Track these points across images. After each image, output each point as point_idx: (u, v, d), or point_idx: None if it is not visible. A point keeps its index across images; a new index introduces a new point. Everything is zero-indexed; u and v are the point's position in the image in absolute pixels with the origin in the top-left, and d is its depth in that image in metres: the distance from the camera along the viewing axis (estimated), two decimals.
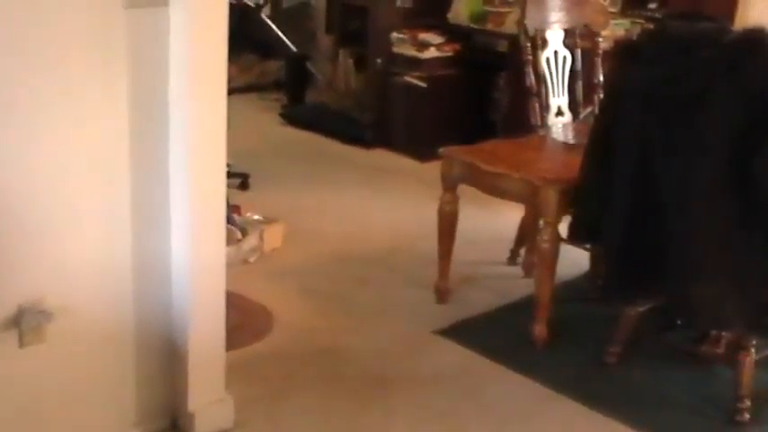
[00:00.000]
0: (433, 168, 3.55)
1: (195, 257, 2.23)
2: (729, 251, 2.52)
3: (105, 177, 2.09)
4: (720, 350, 2.85)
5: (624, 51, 2.88)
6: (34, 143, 1.96)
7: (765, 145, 2.39)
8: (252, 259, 3.65)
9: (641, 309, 2.92)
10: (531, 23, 3.42)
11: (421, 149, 4.95)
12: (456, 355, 3.05)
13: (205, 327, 2.30)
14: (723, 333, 2.82)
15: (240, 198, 4.02)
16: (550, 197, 2.93)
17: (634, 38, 3.70)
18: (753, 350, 2.68)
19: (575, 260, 3.38)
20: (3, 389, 2.05)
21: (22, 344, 2.02)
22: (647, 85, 2.62)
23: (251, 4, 6.06)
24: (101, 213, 2.11)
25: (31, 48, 1.89)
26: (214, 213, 2.25)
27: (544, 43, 3.48)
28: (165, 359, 2.32)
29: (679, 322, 3.01)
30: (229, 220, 3.27)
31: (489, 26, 5.18)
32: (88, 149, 2.05)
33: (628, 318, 2.94)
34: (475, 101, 5.29)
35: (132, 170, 2.13)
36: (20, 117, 1.92)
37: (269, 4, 6.39)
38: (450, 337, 3.14)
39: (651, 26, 4.21)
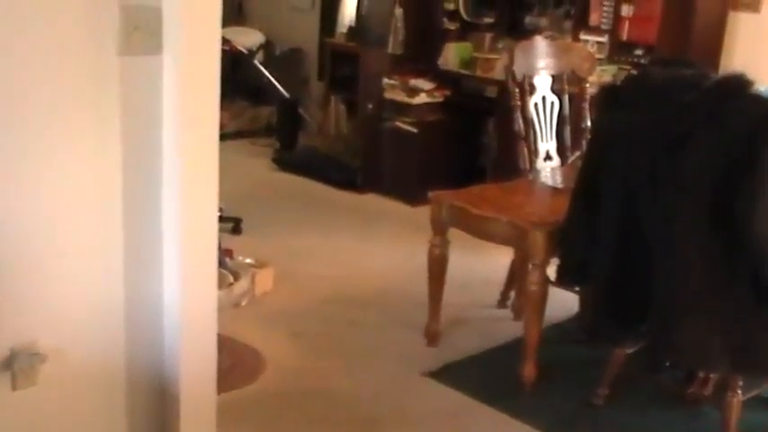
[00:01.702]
0: (422, 212, 3.59)
1: (187, 301, 2.24)
2: (714, 292, 2.55)
3: (98, 221, 2.11)
4: (708, 391, 2.87)
5: (606, 96, 2.93)
6: (27, 187, 1.98)
7: (746, 188, 2.43)
8: (243, 303, 3.67)
9: (629, 350, 2.95)
10: (519, 69, 3.49)
11: (411, 193, 5.00)
12: (446, 397, 3.06)
13: (197, 370, 2.31)
14: (711, 374, 2.84)
15: (232, 242, 4.05)
16: (538, 240, 2.97)
17: (617, 83, 3.76)
18: (739, 391, 2.71)
19: (563, 302, 3.40)
20: None
21: (14, 387, 2.03)
22: (629, 130, 2.67)
23: (244, 50, 6.16)
24: (93, 256, 2.13)
25: (22, 90, 1.92)
26: (206, 257, 2.26)
27: (532, 89, 3.54)
28: (156, 402, 2.32)
29: (667, 363, 3.03)
30: (221, 264, 3.30)
31: (478, 72, 5.26)
32: (81, 193, 2.07)
33: (615, 359, 2.97)
34: (464, 145, 5.36)
35: (125, 214, 2.15)
36: (11, 160, 1.94)
37: (262, 51, 6.49)
38: (440, 379, 3.16)
39: (635, 72, 4.31)
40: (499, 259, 3.81)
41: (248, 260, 3.86)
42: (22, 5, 1.88)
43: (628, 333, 2.87)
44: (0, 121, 1.90)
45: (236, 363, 3.11)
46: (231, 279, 3.64)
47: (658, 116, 2.62)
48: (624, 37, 4.63)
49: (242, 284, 3.68)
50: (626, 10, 4.59)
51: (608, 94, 2.91)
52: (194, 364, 2.30)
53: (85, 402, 2.20)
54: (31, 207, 1.99)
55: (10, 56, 1.89)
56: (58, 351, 2.08)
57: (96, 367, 2.20)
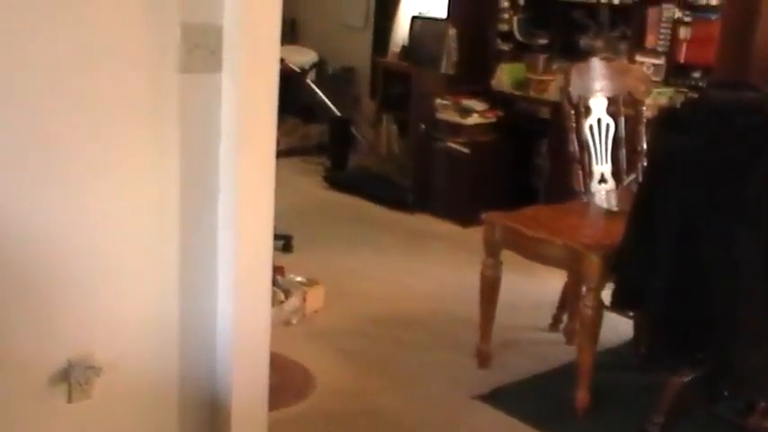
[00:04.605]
0: (473, 233, 3.57)
1: (241, 318, 2.25)
2: None
3: (156, 236, 2.13)
4: None
5: (666, 119, 2.89)
6: (89, 201, 2.01)
7: None
8: (294, 320, 3.67)
9: (686, 378, 2.88)
10: (574, 91, 3.46)
11: (462, 214, 4.97)
12: (496, 421, 3.02)
13: (249, 387, 2.31)
14: None
15: (283, 260, 4.06)
16: (593, 263, 2.92)
17: (677, 106, 3.71)
18: None
19: (617, 327, 3.35)
20: None
21: (70, 399, 2.05)
22: (688, 153, 2.63)
23: (297, 69, 6.21)
24: (149, 272, 2.15)
25: (83, 104, 1.95)
26: (261, 275, 2.27)
27: (587, 111, 3.51)
28: (207, 418, 2.33)
29: (726, 393, 2.96)
30: (273, 282, 3.30)
31: (532, 93, 5.23)
32: (140, 209, 2.09)
33: (672, 387, 2.90)
34: (516, 167, 5.33)
35: (181, 229, 2.17)
36: (75, 176, 1.97)
37: (314, 70, 6.54)
38: (491, 402, 3.12)
39: (694, 95, 4.26)
40: (552, 282, 3.77)
41: (299, 278, 3.87)
42: (84, 21, 1.92)
43: (685, 360, 2.81)
44: (60, 137, 1.94)
45: (285, 381, 3.11)
46: (282, 297, 3.64)
47: (718, 140, 2.57)
48: (681, 59, 4.57)
49: (293, 302, 3.69)
50: (683, 32, 4.54)
51: (666, 117, 2.88)
52: (246, 382, 2.31)
53: (138, 417, 2.22)
54: (90, 222, 2.02)
55: (70, 71, 1.92)
56: (113, 365, 2.10)
57: (149, 382, 2.22)
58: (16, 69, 1.85)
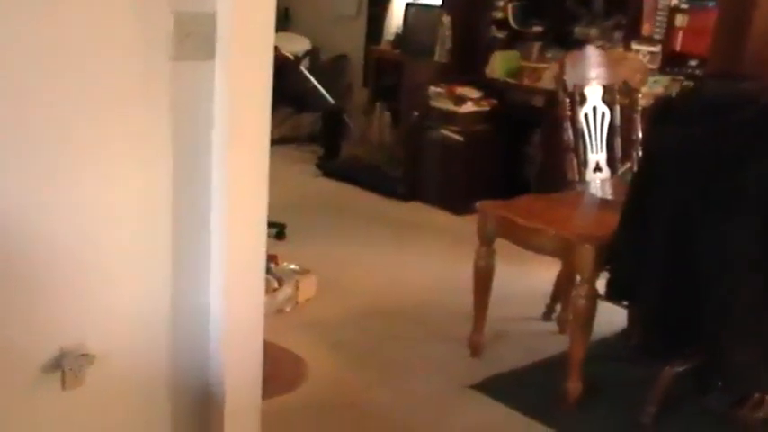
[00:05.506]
0: (466, 222, 3.57)
1: (233, 306, 2.24)
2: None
3: (148, 225, 2.12)
4: (759, 414, 2.79)
5: (660, 109, 2.88)
6: (79, 190, 1.99)
7: None
8: (287, 309, 3.66)
9: (678, 369, 2.88)
10: (569, 79, 3.44)
11: (455, 203, 4.97)
12: (488, 410, 3.02)
13: (242, 376, 2.30)
14: (766, 396, 2.77)
15: (276, 248, 4.04)
16: (587, 253, 2.92)
17: (672, 96, 3.70)
18: None
19: (610, 317, 3.34)
20: (47, 431, 2.07)
21: (64, 386, 2.04)
22: (682, 145, 2.62)
23: (290, 57, 6.18)
24: (141, 261, 2.13)
25: (74, 94, 1.93)
26: (254, 263, 2.26)
27: (582, 99, 3.50)
28: (200, 407, 2.32)
29: (718, 384, 2.96)
30: (266, 270, 3.28)
31: (525, 81, 5.22)
32: (132, 197, 2.08)
33: (664, 378, 2.90)
34: (510, 156, 5.32)
35: (173, 218, 2.15)
36: (65, 165, 1.95)
37: (307, 58, 6.51)
38: (483, 392, 3.12)
39: (690, 84, 4.24)
40: (545, 271, 3.77)
41: (292, 266, 3.85)
42: (73, 9, 1.89)
43: (677, 352, 2.81)
44: (51, 125, 1.92)
45: (277, 370, 3.10)
46: (276, 285, 3.63)
47: (714, 132, 2.56)
48: (678, 48, 4.55)
49: (286, 290, 3.67)
50: (680, 20, 4.51)
51: (662, 107, 2.86)
52: (239, 371, 2.30)
53: (131, 405, 2.21)
54: (81, 210, 2.00)
55: (60, 58, 1.90)
56: (105, 353, 2.09)
57: (142, 370, 2.21)
58: (7, 60, 1.82)
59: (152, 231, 2.13)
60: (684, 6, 4.51)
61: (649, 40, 4.65)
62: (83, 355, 2.04)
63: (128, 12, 1.96)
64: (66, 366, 2.03)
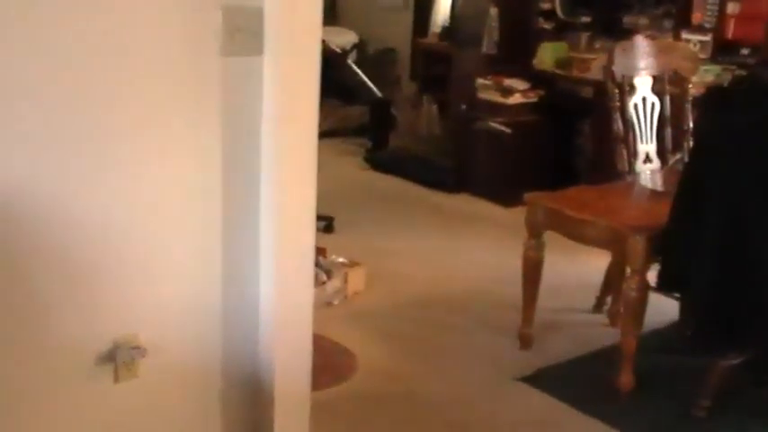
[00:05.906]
0: (515, 214, 3.55)
1: (283, 299, 2.26)
2: None
3: (199, 219, 2.14)
4: None
5: (713, 98, 2.84)
6: (133, 186, 2.02)
7: None
8: (336, 302, 3.69)
9: (733, 361, 2.84)
10: (618, 70, 3.41)
11: (503, 195, 4.94)
12: (538, 402, 3.01)
13: (292, 368, 2.32)
14: None
15: (324, 240, 4.06)
16: (638, 245, 2.89)
17: (724, 84, 3.64)
18: None
19: (662, 308, 3.30)
20: (100, 423, 2.10)
21: (117, 379, 2.08)
22: (736, 134, 2.58)
23: (338, 50, 6.20)
24: (193, 254, 2.16)
25: (125, 90, 1.96)
26: (304, 256, 2.27)
27: (632, 89, 3.46)
28: (251, 398, 2.34)
29: None
30: (315, 263, 3.31)
31: (574, 72, 5.17)
32: (183, 192, 2.11)
33: (718, 370, 2.86)
34: (558, 147, 5.27)
35: (224, 212, 2.18)
36: (119, 161, 1.99)
37: (355, 51, 6.53)
38: (533, 384, 3.10)
39: (742, 73, 4.17)
40: (595, 263, 3.73)
41: (341, 259, 3.87)
42: (126, 6, 1.92)
43: (731, 344, 2.77)
44: (104, 120, 1.95)
45: (327, 362, 3.12)
46: (324, 278, 3.65)
47: (766, 119, 2.52)
48: (729, 35, 4.47)
49: (335, 283, 3.70)
50: (732, 8, 4.44)
51: (715, 95, 2.84)
52: (289, 363, 2.32)
53: (182, 397, 2.24)
54: (134, 205, 2.04)
55: (114, 55, 1.93)
56: (157, 346, 2.12)
57: (193, 363, 2.24)
58: (60, 56, 1.86)
59: (203, 225, 2.16)
60: None
61: (700, 29, 4.58)
62: (135, 347, 2.08)
63: (177, 8, 1.99)
64: (119, 359, 2.07)
